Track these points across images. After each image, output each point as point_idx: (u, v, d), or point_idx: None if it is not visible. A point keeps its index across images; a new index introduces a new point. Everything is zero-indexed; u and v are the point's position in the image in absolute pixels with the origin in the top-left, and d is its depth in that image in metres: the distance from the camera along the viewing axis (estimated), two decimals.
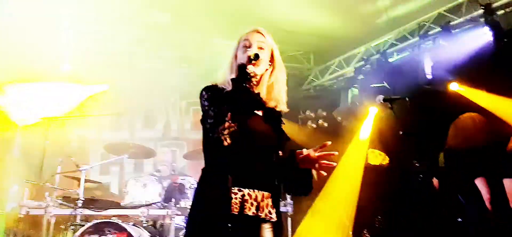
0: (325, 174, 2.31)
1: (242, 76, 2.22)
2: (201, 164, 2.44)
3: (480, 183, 4.34)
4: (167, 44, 7.52)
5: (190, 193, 5.42)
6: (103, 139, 7.43)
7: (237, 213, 2.22)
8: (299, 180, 2.41)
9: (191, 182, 5.53)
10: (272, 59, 2.49)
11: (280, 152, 2.47)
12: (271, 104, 2.48)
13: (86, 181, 5.37)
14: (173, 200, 5.32)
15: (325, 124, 8.30)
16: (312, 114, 8.41)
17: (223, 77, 2.43)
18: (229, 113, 2.13)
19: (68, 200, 5.29)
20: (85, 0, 6.17)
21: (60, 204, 5.22)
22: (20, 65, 6.45)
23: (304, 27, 7.17)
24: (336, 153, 2.31)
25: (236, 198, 2.24)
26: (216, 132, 2.15)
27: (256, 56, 2.31)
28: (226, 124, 2.12)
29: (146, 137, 8.00)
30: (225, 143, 2.13)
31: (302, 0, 6.42)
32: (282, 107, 2.53)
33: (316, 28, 7.21)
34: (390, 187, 6.56)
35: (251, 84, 2.29)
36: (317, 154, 2.28)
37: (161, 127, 8.43)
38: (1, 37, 6.02)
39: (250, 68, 2.27)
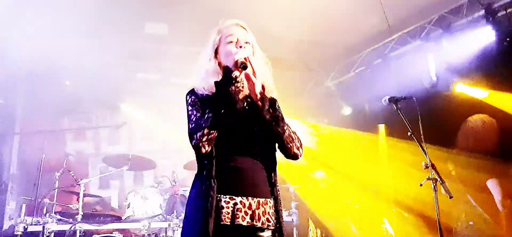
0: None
1: (228, 81, 2.11)
2: None
3: (492, 184, 4.25)
4: (164, 56, 7.47)
5: None
6: (102, 153, 7.33)
7: (229, 223, 2.09)
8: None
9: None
10: (253, 52, 2.33)
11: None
12: (259, 97, 2.24)
13: (85, 195, 5.27)
14: (174, 212, 5.22)
15: (327, 131, 8.22)
16: (314, 120, 8.34)
17: (202, 76, 2.28)
18: (211, 119, 2.05)
19: (67, 215, 5.17)
20: (81, 12, 6.08)
21: (59, 219, 5.09)
22: None
23: (304, 35, 7.11)
24: None
25: (227, 207, 2.11)
26: (194, 138, 2.08)
27: (245, 67, 2.15)
28: (205, 131, 2.05)
29: (146, 150, 7.88)
30: (203, 150, 2.08)
31: (301, 9, 6.37)
32: (270, 93, 2.32)
33: (316, 35, 7.15)
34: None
35: (237, 89, 2.14)
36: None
37: (161, 139, 8.31)
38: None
39: (236, 73, 2.14)
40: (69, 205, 5.27)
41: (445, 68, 6.05)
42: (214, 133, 2.07)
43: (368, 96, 7.30)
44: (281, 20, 6.37)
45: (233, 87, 2.10)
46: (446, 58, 6.02)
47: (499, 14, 5.58)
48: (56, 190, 5.34)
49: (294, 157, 2.32)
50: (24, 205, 5.12)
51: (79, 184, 5.20)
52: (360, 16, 6.56)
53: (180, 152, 8.08)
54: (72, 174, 5.36)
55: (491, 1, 5.60)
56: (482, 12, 5.63)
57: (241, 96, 2.24)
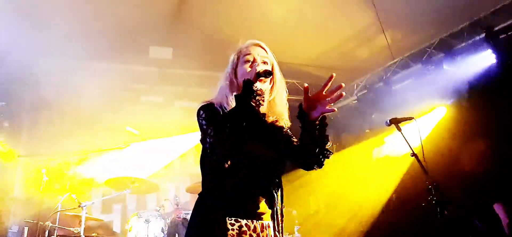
0: (335, 110, 2.14)
1: (248, 93, 2.03)
2: None
3: (499, 208, 4.22)
4: (168, 79, 7.54)
5: None
6: (105, 176, 7.31)
7: None
8: (315, 140, 2.18)
9: None
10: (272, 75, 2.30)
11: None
12: (271, 119, 2.30)
13: (87, 219, 5.24)
14: (176, 235, 5.18)
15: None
16: None
17: (221, 93, 2.25)
18: (232, 134, 1.98)
19: None
20: (87, 35, 6.18)
21: None
22: None
23: (305, 57, 7.18)
24: (343, 84, 2.15)
25: (233, 230, 2.07)
26: (215, 153, 2.02)
27: (269, 73, 2.14)
28: (227, 145, 2.00)
29: (149, 173, 7.86)
30: (225, 165, 2.02)
31: (303, 32, 6.45)
32: (284, 122, 2.34)
33: (317, 58, 7.22)
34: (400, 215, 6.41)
35: (257, 103, 2.04)
36: (324, 90, 2.15)
37: (163, 162, 8.29)
38: None
39: (258, 85, 2.09)
40: (71, 229, 5.26)
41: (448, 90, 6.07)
42: (237, 149, 2.03)
43: (369, 119, 7.31)
44: (283, 44, 6.44)
45: (254, 100, 2.03)
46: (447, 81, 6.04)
47: (500, 37, 5.62)
48: (58, 213, 5.33)
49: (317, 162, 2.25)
50: (26, 228, 5.11)
51: (81, 207, 5.18)
52: (362, 40, 6.63)
53: (182, 176, 8.08)
54: (75, 197, 5.36)
55: (491, 24, 5.64)
56: (483, 35, 5.66)
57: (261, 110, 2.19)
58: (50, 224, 5.15)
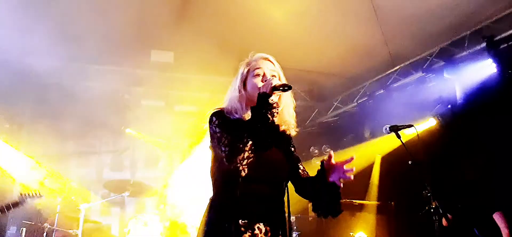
0: (351, 178, 2.24)
1: (265, 105, 2.13)
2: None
3: (498, 217, 4.20)
4: (169, 83, 7.55)
5: (193, 232, 5.27)
6: (104, 178, 7.32)
7: None
8: (329, 195, 2.29)
9: (193, 221, 5.39)
10: None
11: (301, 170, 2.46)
12: (281, 128, 2.43)
13: (85, 221, 5.24)
14: None
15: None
16: (317, 151, 8.32)
17: (231, 103, 2.34)
18: (250, 143, 2.08)
19: None
20: (88, 38, 6.20)
21: None
22: None
23: (307, 64, 7.18)
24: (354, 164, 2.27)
25: (246, 233, 2.14)
26: (233, 161, 2.09)
27: (288, 87, 2.23)
28: (245, 154, 2.08)
29: (148, 177, 7.86)
30: (243, 173, 2.10)
31: (305, 38, 6.46)
32: (292, 131, 2.48)
33: (318, 65, 7.23)
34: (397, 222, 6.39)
35: (272, 115, 2.16)
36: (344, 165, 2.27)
37: (163, 166, 8.29)
38: None
39: (274, 98, 2.20)
40: (69, 231, 5.25)
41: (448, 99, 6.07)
42: (253, 157, 2.11)
43: (370, 126, 7.31)
44: (284, 50, 6.43)
45: (270, 113, 2.14)
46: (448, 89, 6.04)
47: (501, 46, 5.62)
48: (57, 214, 5.33)
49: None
50: (24, 230, 5.11)
51: (80, 210, 5.18)
52: (363, 47, 6.63)
53: (182, 179, 8.06)
54: (74, 199, 5.36)
55: (492, 34, 5.65)
56: (484, 44, 5.66)
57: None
58: (48, 226, 5.15)
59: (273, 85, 2.20)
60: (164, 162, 7.96)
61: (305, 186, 2.42)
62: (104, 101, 7.05)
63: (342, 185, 2.26)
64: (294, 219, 6.40)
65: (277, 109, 2.21)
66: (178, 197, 6.33)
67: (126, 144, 6.91)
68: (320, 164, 2.33)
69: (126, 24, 6.02)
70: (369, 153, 7.40)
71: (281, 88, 2.22)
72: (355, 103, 7.63)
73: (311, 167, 2.43)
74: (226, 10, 5.94)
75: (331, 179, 2.27)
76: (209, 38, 6.14)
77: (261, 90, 2.19)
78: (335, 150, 8.07)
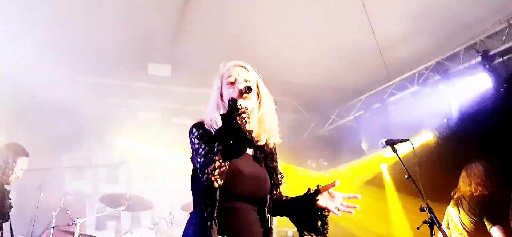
0: (339, 215, 2.25)
1: (233, 111, 2.05)
2: None
3: (496, 231, 4.19)
4: (166, 95, 7.56)
5: None
6: (100, 192, 7.26)
7: None
8: (321, 219, 2.28)
9: None
10: (258, 91, 2.33)
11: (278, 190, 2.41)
12: (263, 137, 2.31)
13: (81, 235, 5.18)
14: None
15: (327, 174, 8.20)
16: (313, 164, 8.32)
17: (210, 116, 2.26)
18: (219, 153, 2.01)
19: None
20: (84, 51, 6.21)
21: None
22: None
23: (304, 77, 7.21)
24: (358, 207, 2.28)
25: None
26: (205, 172, 2.01)
27: (249, 88, 2.15)
28: (216, 164, 2.00)
29: (144, 190, 7.82)
30: (216, 184, 2.01)
31: (301, 50, 6.49)
32: (275, 139, 2.38)
33: (315, 79, 7.25)
34: None
35: (243, 120, 2.06)
36: (342, 196, 2.28)
37: (159, 179, 8.25)
38: None
39: (242, 103, 2.10)
40: None
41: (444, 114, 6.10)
42: (226, 166, 2.02)
43: (366, 139, 7.33)
44: (281, 63, 6.48)
45: (239, 118, 2.04)
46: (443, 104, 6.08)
47: (496, 61, 5.67)
48: (52, 229, 5.27)
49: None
50: None
51: (75, 224, 5.13)
52: (360, 61, 6.67)
53: (178, 193, 8.02)
54: (69, 213, 5.31)
55: (487, 48, 5.70)
56: (479, 58, 5.71)
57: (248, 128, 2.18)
58: None
59: (239, 89, 2.15)
60: (160, 176, 7.94)
61: (284, 205, 2.40)
62: (100, 114, 7.05)
63: (340, 214, 2.25)
64: (291, 234, 6.36)
65: (248, 114, 2.10)
66: (174, 211, 6.29)
67: (122, 157, 6.85)
68: (316, 187, 2.31)
69: (123, 38, 6.05)
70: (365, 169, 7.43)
71: (245, 91, 2.13)
72: (352, 116, 7.66)
73: (309, 181, 2.42)
74: (224, 24, 5.98)
75: (319, 203, 2.26)
76: (207, 51, 6.16)
77: (230, 97, 2.14)
78: (332, 163, 8.16)
